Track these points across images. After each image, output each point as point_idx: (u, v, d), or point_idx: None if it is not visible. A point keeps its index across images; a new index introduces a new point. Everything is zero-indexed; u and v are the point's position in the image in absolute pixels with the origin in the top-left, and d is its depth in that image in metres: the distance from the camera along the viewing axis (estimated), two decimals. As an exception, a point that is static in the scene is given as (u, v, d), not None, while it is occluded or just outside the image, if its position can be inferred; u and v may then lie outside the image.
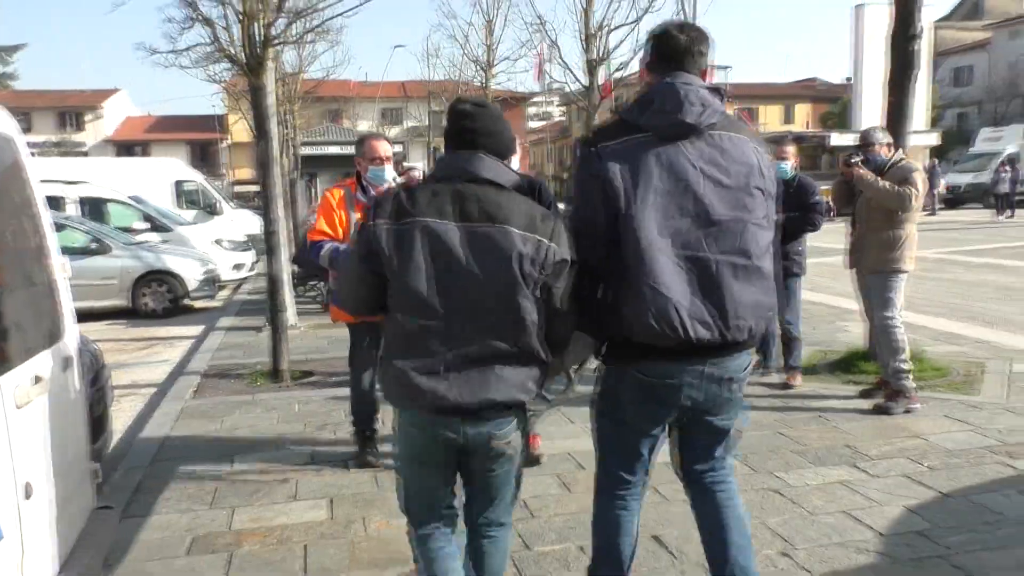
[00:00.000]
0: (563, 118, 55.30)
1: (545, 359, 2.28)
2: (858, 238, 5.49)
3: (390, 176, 4.25)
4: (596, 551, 2.67)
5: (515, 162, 3.04)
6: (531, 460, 4.41)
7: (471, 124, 2.30)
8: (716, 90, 2.39)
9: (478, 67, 23.19)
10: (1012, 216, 25.83)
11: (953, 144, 41.24)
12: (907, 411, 5.23)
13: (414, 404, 2.22)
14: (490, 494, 2.44)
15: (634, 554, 2.65)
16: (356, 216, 4.12)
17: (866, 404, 5.44)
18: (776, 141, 6.29)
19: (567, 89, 17.57)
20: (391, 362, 2.23)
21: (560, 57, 16.94)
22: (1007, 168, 27.76)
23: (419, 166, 10.48)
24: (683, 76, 2.36)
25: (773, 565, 3.25)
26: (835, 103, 48.47)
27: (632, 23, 14.32)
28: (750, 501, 3.78)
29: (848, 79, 46.44)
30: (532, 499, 3.98)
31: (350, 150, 21.67)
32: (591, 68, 14.30)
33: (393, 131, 49.61)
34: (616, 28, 14.40)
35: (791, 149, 6.06)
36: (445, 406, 2.18)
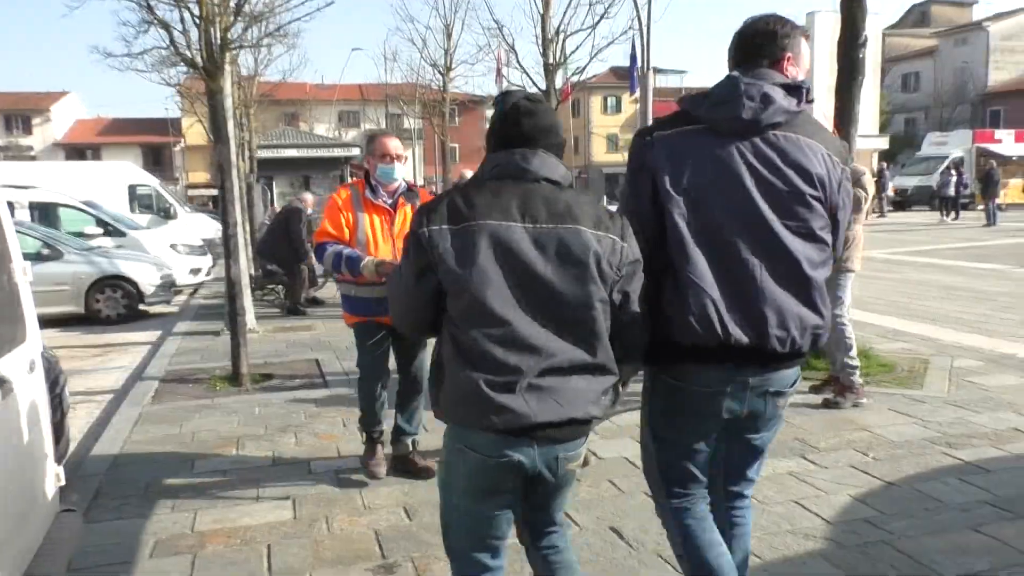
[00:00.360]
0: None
1: (616, 369, 2.09)
2: None
3: (400, 175, 4.18)
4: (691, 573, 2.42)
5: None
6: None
7: (532, 121, 2.11)
8: (795, 88, 2.21)
9: (436, 70, 23.22)
10: (957, 218, 26.67)
11: (901, 148, 42.44)
12: (855, 405, 5.43)
13: (484, 423, 1.94)
14: (549, 512, 2.27)
15: (732, 567, 2.37)
16: (364, 217, 4.09)
17: (816, 399, 5.62)
18: None
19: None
20: (459, 374, 1.96)
21: (518, 61, 17.05)
22: (953, 172, 28.69)
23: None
24: (755, 71, 2.23)
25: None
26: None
27: (589, 28, 14.54)
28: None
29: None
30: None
31: (308, 153, 21.53)
32: (548, 72, 14.45)
33: (350, 134, 49.33)
34: (573, 33, 14.61)
35: None
36: (523, 425, 1.94)
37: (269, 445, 5.02)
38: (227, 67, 6.94)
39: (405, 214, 4.13)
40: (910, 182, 33.43)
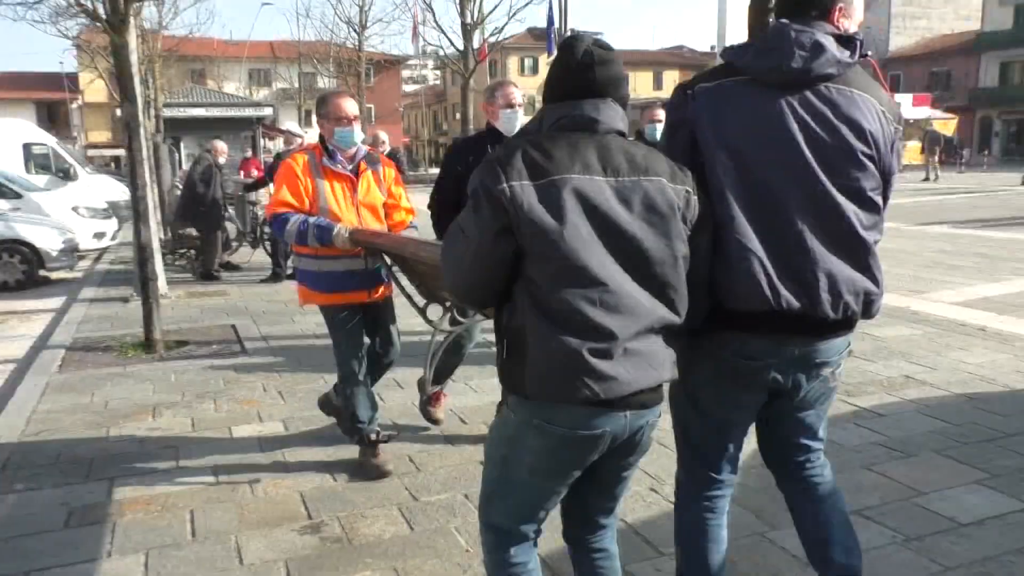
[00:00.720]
0: (438, 82, 54.78)
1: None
2: None
3: (359, 138, 3.89)
4: (684, 564, 2.36)
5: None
6: (433, 420, 4.53)
7: (605, 70, 1.93)
8: (848, 39, 2.06)
9: (351, 28, 22.65)
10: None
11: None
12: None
13: (581, 395, 1.80)
14: (614, 491, 2.13)
15: (724, 567, 2.34)
16: (325, 184, 3.78)
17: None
18: (645, 106, 6.56)
19: (442, 53, 17.50)
20: (552, 343, 1.79)
21: (435, 20, 16.82)
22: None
23: (301, 131, 10.23)
24: (803, 19, 2.07)
25: (643, 500, 3.53)
26: (702, 71, 50.26)
27: (506, -13, 14.39)
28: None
29: (712, 47, 48.12)
30: (418, 454, 4.12)
31: (217, 112, 20.69)
32: (466, 32, 14.30)
33: (262, 93, 47.73)
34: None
35: (661, 112, 6.33)
36: (623, 394, 1.83)
37: (187, 412, 4.94)
38: (132, 20, 6.62)
39: (368, 181, 3.88)
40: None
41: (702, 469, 2.33)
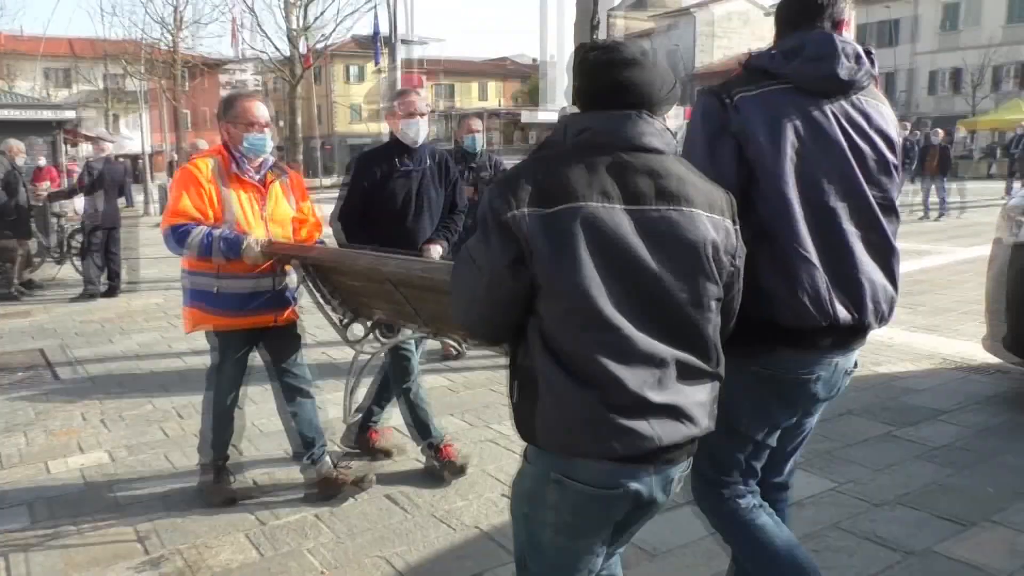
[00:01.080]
0: (259, 88, 52.81)
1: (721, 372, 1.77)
2: None
3: (270, 146, 3.57)
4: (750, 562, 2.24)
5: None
6: (456, 470, 3.89)
7: (638, 76, 1.68)
8: (867, 52, 2.08)
9: (164, 28, 21.39)
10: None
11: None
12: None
13: (601, 450, 1.62)
14: (629, 536, 1.94)
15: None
16: (232, 193, 3.42)
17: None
18: (463, 117, 6.69)
19: (265, 57, 16.93)
20: (567, 393, 1.60)
21: (258, 24, 16.21)
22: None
23: (111, 137, 9.50)
24: (828, 27, 2.07)
25: (495, 505, 3.60)
26: (526, 82, 51.76)
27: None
28: (471, 452, 4.12)
29: (534, 60, 49.70)
30: (261, 475, 3.97)
31: (10, 114, 18.77)
32: (291, 38, 13.92)
33: (61, 94, 43.95)
34: (316, -2, 14.12)
35: (478, 123, 6.32)
36: (647, 450, 1.64)
37: (-8, 448, 4.47)
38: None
39: (276, 193, 3.56)
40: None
41: (731, 484, 2.20)
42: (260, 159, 3.53)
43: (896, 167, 2.11)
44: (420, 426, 3.93)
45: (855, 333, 2.09)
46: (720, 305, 1.73)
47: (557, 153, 1.71)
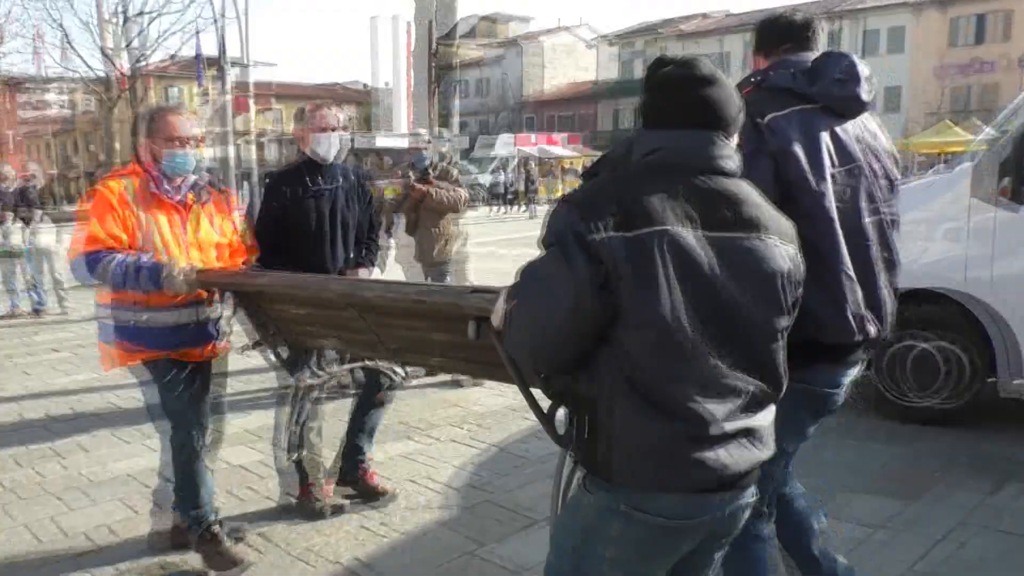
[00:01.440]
0: (68, 109, 48.95)
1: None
2: (420, 238, 6.17)
3: (191, 164, 3.22)
4: None
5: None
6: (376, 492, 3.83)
7: (716, 94, 1.61)
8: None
9: (-48, 44, 19.41)
10: (507, 212, 30.40)
11: (472, 148, 46.98)
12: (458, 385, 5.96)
13: (679, 483, 1.57)
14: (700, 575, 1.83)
15: None
16: (151, 217, 3.10)
17: (415, 382, 6.07)
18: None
19: (77, 76, 15.79)
20: (646, 424, 1.54)
21: (68, 42, 15.09)
22: (503, 171, 32.69)
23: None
24: (804, 51, 2.17)
25: (355, 537, 3.53)
26: (360, 107, 51.33)
27: (154, 13, 13.46)
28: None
29: (365, 85, 49.44)
30: (95, 529, 3.67)
31: None
32: (107, 57, 13.08)
33: None
34: (138, 15, 13.39)
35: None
36: (724, 478, 1.59)
37: None
38: None
39: (201, 215, 3.25)
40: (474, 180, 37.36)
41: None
42: (180, 178, 3.22)
43: (896, 183, 2.21)
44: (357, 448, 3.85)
45: (872, 345, 2.20)
46: (787, 334, 1.70)
47: (632, 173, 1.63)
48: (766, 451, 1.66)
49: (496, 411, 5.39)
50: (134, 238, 3.08)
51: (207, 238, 3.26)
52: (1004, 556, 3.25)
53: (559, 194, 30.48)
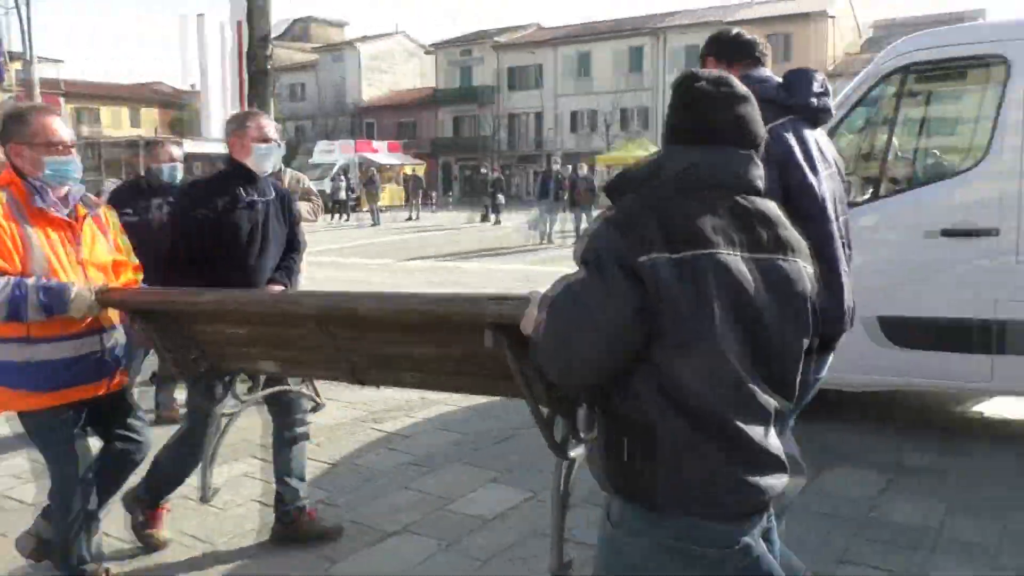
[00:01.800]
0: None
1: None
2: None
3: (78, 172, 2.87)
4: None
5: None
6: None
7: (751, 113, 1.60)
8: None
9: None
10: (348, 219, 29.82)
11: (294, 155, 45.62)
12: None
13: (725, 510, 1.54)
14: None
15: None
16: (36, 234, 2.72)
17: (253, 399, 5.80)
18: (149, 143, 6.12)
19: None
20: (692, 451, 1.51)
21: None
22: (342, 177, 32.03)
23: None
24: (761, 67, 2.34)
25: (198, 568, 3.33)
26: (183, 109, 48.67)
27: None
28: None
29: (193, 86, 46.94)
30: None
31: None
32: None
33: None
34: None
35: (177, 150, 5.57)
36: (762, 501, 1.57)
37: None
38: None
39: (92, 230, 2.92)
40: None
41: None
42: (65, 189, 2.86)
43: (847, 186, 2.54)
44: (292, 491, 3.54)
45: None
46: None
47: (669, 192, 1.58)
48: (789, 470, 1.65)
49: (344, 423, 5.26)
50: (23, 259, 2.70)
51: (102, 255, 2.95)
52: (825, 540, 3.53)
53: (381, 203, 30.17)
